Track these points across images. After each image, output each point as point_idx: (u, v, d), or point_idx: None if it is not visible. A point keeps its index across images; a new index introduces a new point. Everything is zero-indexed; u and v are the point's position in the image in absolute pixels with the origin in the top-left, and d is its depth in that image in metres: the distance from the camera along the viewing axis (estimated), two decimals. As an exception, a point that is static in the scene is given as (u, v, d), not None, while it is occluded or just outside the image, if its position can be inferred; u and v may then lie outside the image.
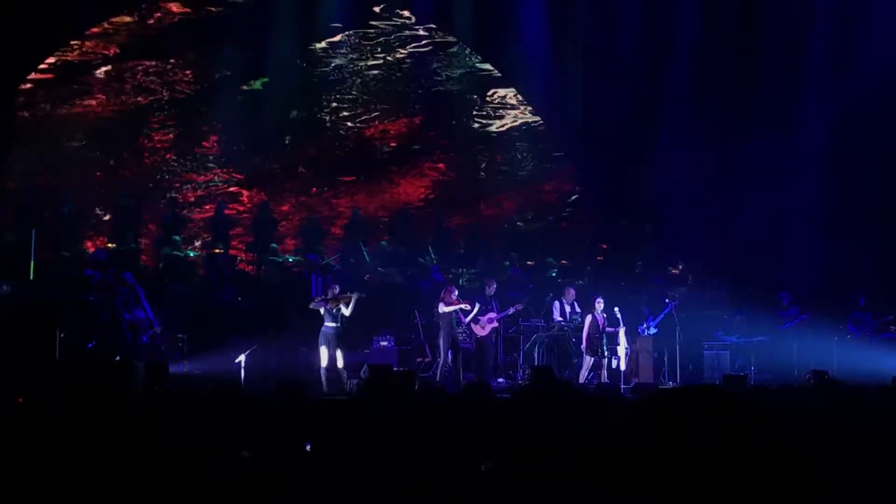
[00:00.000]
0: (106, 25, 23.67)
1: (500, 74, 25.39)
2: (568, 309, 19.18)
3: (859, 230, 21.90)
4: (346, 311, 16.86)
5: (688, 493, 2.61)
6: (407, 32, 25.20)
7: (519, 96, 25.51)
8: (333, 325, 16.65)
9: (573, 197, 25.69)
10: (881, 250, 21.62)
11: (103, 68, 23.62)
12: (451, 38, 25.28)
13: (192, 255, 21.91)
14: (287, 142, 24.61)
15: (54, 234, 21.00)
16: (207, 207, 23.59)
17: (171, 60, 24.04)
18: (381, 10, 24.91)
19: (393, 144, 25.15)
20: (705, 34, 23.44)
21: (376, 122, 25.15)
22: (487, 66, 25.48)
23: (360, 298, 17.05)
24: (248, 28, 23.58)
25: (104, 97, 23.62)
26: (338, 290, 16.98)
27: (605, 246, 24.03)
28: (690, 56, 23.47)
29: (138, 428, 5.70)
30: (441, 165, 25.33)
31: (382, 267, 21.92)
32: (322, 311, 16.71)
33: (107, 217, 22.84)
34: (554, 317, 19.21)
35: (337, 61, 24.83)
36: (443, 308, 17.60)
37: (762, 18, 23.33)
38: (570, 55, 24.18)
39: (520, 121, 25.39)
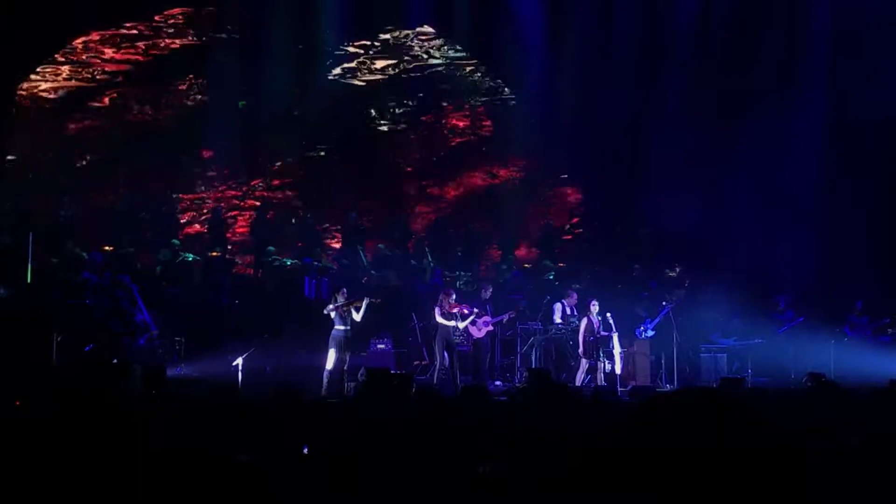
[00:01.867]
0: (111, 53, 23.90)
1: (495, 85, 25.53)
2: (568, 312, 19.19)
3: (856, 234, 21.92)
4: (357, 316, 16.83)
5: (686, 493, 2.61)
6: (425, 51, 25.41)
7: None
8: (343, 328, 16.62)
9: (572, 200, 25.69)
10: (878, 253, 21.64)
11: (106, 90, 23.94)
12: (463, 54, 25.42)
13: (189, 258, 21.88)
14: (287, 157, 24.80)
15: (51, 237, 20.99)
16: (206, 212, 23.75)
17: (175, 81, 24.26)
18: (383, 23, 25.03)
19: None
20: (702, 38, 23.48)
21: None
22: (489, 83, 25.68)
23: (370, 303, 17.04)
24: (250, 49, 23.82)
25: (104, 116, 23.87)
26: (345, 293, 16.93)
27: (602, 249, 24.01)
28: (687, 60, 23.49)
29: (135, 431, 5.69)
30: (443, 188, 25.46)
31: (377, 270, 21.91)
32: (333, 314, 16.68)
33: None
34: (554, 319, 19.22)
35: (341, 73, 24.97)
36: (438, 318, 17.60)
37: (758, 23, 23.37)
38: (567, 59, 24.19)
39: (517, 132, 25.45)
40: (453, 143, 25.57)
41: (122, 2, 23.84)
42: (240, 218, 24.11)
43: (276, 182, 24.80)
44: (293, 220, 24.24)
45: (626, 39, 23.52)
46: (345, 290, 17.01)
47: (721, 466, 2.65)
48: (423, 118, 25.50)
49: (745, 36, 23.38)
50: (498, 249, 23.86)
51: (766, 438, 2.73)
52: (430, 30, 25.36)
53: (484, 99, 25.80)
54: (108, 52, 24.04)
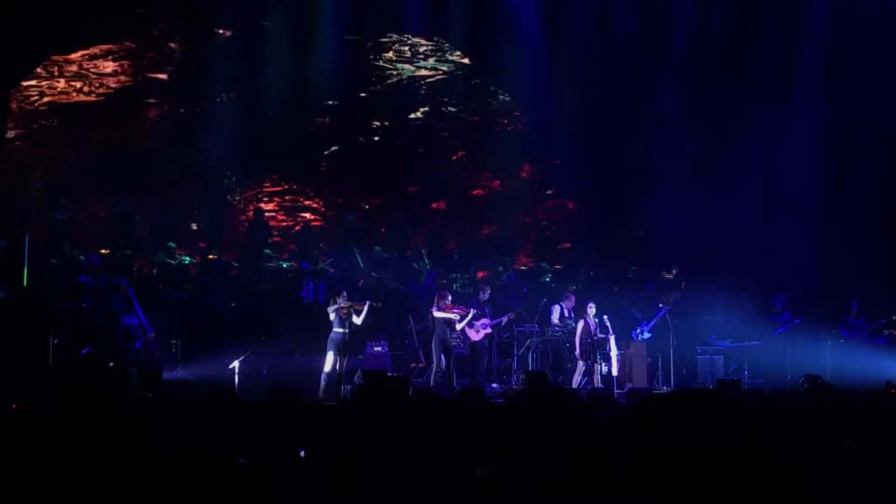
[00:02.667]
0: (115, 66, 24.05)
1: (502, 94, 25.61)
2: (565, 314, 19.23)
3: (852, 235, 21.95)
4: (358, 320, 16.77)
5: (684, 495, 2.62)
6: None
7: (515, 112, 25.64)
8: (341, 330, 16.58)
9: (568, 202, 25.69)
10: (874, 255, 21.66)
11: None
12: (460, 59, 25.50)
13: (186, 260, 21.86)
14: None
15: (47, 240, 20.99)
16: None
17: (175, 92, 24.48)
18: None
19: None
20: (701, 40, 23.51)
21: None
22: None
23: (372, 307, 17.01)
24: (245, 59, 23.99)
25: (104, 127, 24.03)
26: (345, 295, 16.89)
27: (599, 251, 23.99)
28: (686, 62, 23.50)
29: (132, 433, 5.69)
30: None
31: (376, 272, 21.90)
32: (332, 316, 16.65)
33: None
34: (552, 320, 19.24)
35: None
36: (436, 313, 17.63)
37: (757, 26, 23.40)
38: (563, 60, 24.21)
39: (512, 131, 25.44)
40: (451, 150, 25.55)
41: (120, 17, 23.91)
42: (240, 225, 24.21)
43: (276, 188, 24.87)
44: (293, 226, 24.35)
45: (625, 43, 23.54)
46: (345, 293, 16.98)
47: (718, 468, 2.65)
48: (422, 126, 25.50)
49: (744, 38, 23.40)
50: (495, 254, 23.82)
51: (763, 440, 2.74)
52: (429, 38, 25.40)
53: (482, 106, 25.83)
54: (109, 66, 24.16)
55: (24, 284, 17.80)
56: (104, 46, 24.13)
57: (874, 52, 22.51)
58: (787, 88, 23.27)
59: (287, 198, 24.83)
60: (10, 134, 23.46)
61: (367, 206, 24.79)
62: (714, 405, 2.82)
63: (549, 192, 25.63)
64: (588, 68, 24.08)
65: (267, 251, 22.43)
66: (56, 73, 23.92)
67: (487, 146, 25.41)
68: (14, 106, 23.40)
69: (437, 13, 24.23)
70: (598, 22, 23.75)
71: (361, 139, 25.22)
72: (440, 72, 25.62)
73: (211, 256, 22.00)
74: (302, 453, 6.78)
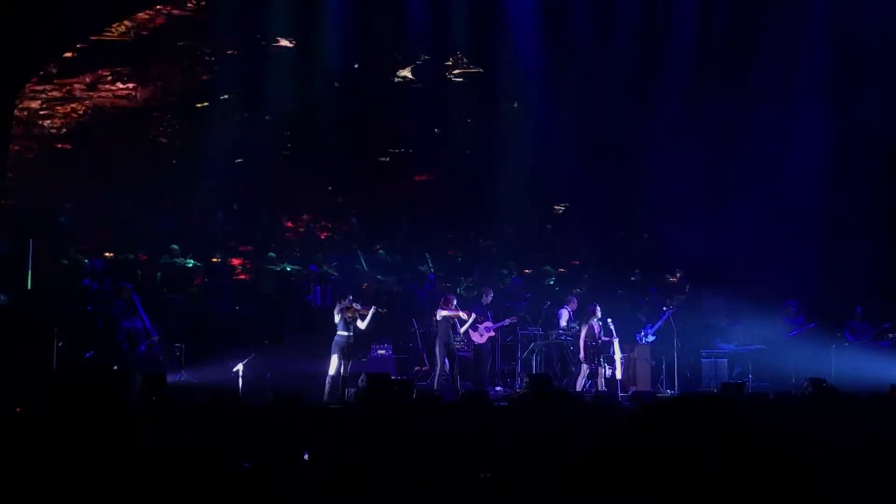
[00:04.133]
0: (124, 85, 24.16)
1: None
2: (571, 318, 19.27)
3: (856, 239, 21.94)
4: (362, 325, 16.81)
5: (686, 498, 2.62)
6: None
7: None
8: (345, 334, 16.61)
9: (571, 206, 25.69)
10: (878, 259, 21.65)
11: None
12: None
13: (190, 264, 21.86)
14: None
15: (52, 244, 21.01)
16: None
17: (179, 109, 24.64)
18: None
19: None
20: (701, 44, 23.54)
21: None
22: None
23: (377, 313, 17.02)
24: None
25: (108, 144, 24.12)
26: (351, 299, 16.91)
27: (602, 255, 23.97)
28: (686, 62, 23.53)
29: (136, 437, 5.70)
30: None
31: (382, 275, 21.90)
32: (337, 319, 16.67)
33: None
34: (560, 324, 19.27)
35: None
36: (441, 313, 17.64)
37: (760, 23, 23.42)
38: (564, 65, 24.24)
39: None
40: (455, 155, 25.55)
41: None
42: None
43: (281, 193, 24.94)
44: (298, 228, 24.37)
45: (627, 47, 23.59)
46: (350, 296, 17.02)
47: (721, 471, 2.65)
48: (424, 130, 25.51)
49: (745, 45, 23.43)
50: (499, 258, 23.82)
51: (767, 443, 2.74)
52: (433, 47, 25.46)
53: (487, 113, 25.87)
54: (117, 86, 24.28)
55: (29, 288, 17.84)
56: (114, 68, 24.27)
57: (875, 61, 22.52)
58: (789, 93, 23.27)
59: (293, 202, 24.88)
60: (29, 156, 23.56)
61: (370, 211, 24.78)
62: (718, 409, 2.82)
63: (552, 196, 25.62)
64: (591, 72, 24.10)
65: (271, 254, 22.45)
66: (63, 94, 24.02)
67: (490, 150, 25.41)
68: (20, 118, 23.46)
69: (439, 20, 24.30)
70: (599, 28, 23.81)
71: (365, 145, 25.24)
72: (446, 80, 25.65)
73: (214, 259, 22.00)
74: (305, 457, 6.78)
